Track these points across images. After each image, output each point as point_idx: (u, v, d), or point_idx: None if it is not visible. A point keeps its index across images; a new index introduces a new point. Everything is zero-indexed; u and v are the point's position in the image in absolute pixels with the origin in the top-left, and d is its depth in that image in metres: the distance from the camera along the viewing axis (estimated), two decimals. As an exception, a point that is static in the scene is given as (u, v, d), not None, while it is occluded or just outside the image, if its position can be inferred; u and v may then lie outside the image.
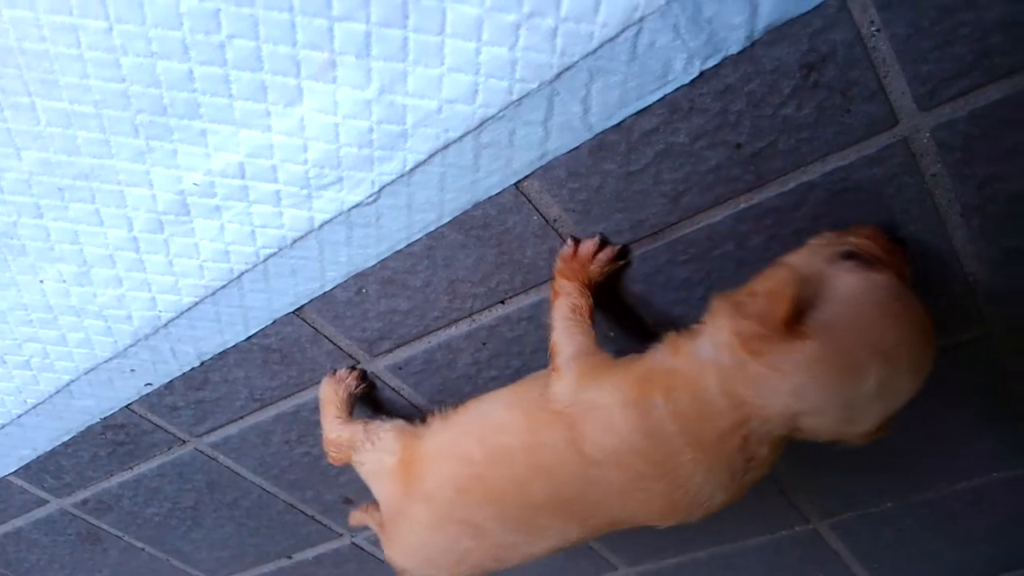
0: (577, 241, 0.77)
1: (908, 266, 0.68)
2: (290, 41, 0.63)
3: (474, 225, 0.77)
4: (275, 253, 0.80)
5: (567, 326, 0.75)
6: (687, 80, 0.65)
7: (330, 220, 0.76)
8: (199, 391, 1.00)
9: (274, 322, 0.89)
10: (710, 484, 0.69)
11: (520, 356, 0.91)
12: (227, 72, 0.66)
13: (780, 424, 0.65)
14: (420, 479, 0.83)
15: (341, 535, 1.27)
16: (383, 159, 0.70)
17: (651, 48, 0.63)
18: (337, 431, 0.90)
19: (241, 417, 1.04)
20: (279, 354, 0.94)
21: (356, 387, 0.93)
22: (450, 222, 0.77)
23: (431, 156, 0.70)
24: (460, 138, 0.69)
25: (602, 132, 0.69)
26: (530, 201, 0.75)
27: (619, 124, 0.69)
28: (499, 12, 0.61)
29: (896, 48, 0.62)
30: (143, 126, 0.71)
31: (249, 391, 0.99)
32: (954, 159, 0.69)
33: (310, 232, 0.77)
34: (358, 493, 1.17)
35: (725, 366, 0.65)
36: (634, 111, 0.67)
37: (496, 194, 0.74)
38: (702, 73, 0.64)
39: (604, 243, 0.78)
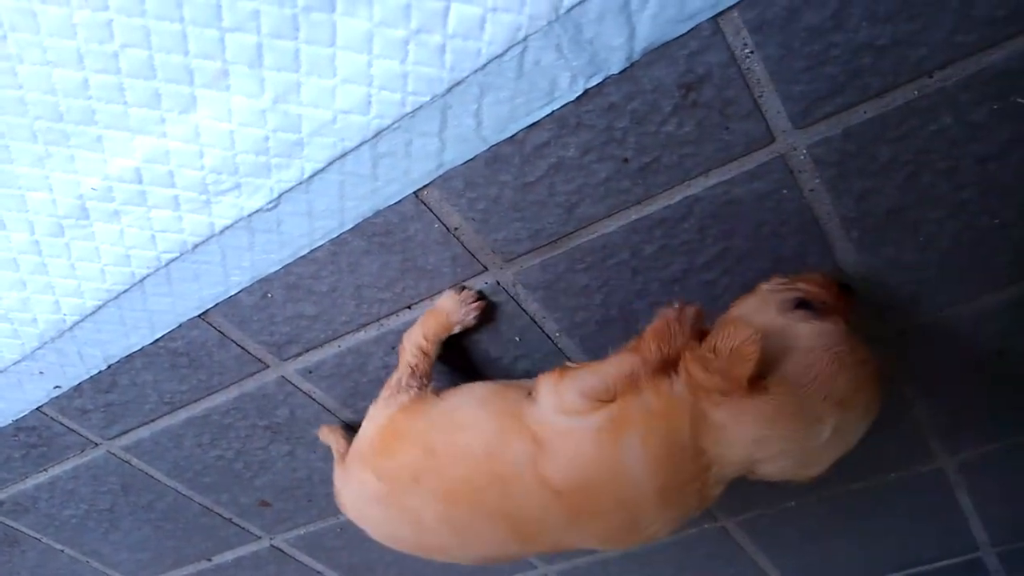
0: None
1: (853, 311, 0.72)
2: (182, 50, 0.64)
3: (377, 232, 0.79)
4: (177, 258, 0.80)
5: (614, 368, 0.72)
6: (573, 97, 0.67)
7: (231, 225, 0.76)
8: (108, 394, 1.00)
9: (180, 326, 0.89)
10: (661, 521, 0.72)
11: (428, 360, 0.93)
12: (121, 80, 0.66)
13: (737, 469, 0.69)
14: (386, 453, 0.82)
15: (260, 538, 1.27)
16: (280, 166, 0.72)
17: (537, 66, 0.65)
18: (406, 351, 0.85)
19: (152, 420, 1.04)
20: (187, 358, 0.94)
21: (467, 317, 0.84)
22: (352, 229, 0.78)
23: (329, 164, 0.72)
24: (357, 147, 0.70)
25: (496, 144, 0.71)
26: (431, 210, 0.77)
27: (512, 137, 0.71)
28: (388, 27, 0.62)
29: (769, 69, 0.65)
30: (41, 132, 0.71)
31: (158, 394, 0.99)
32: (831, 174, 0.72)
33: (211, 237, 0.78)
34: (275, 496, 1.18)
35: (693, 413, 0.67)
36: (525, 125, 0.70)
37: (396, 202, 0.76)
38: (587, 91, 0.67)
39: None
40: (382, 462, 0.83)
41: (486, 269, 0.83)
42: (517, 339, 0.90)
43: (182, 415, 1.03)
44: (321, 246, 0.79)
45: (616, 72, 0.66)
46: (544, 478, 0.72)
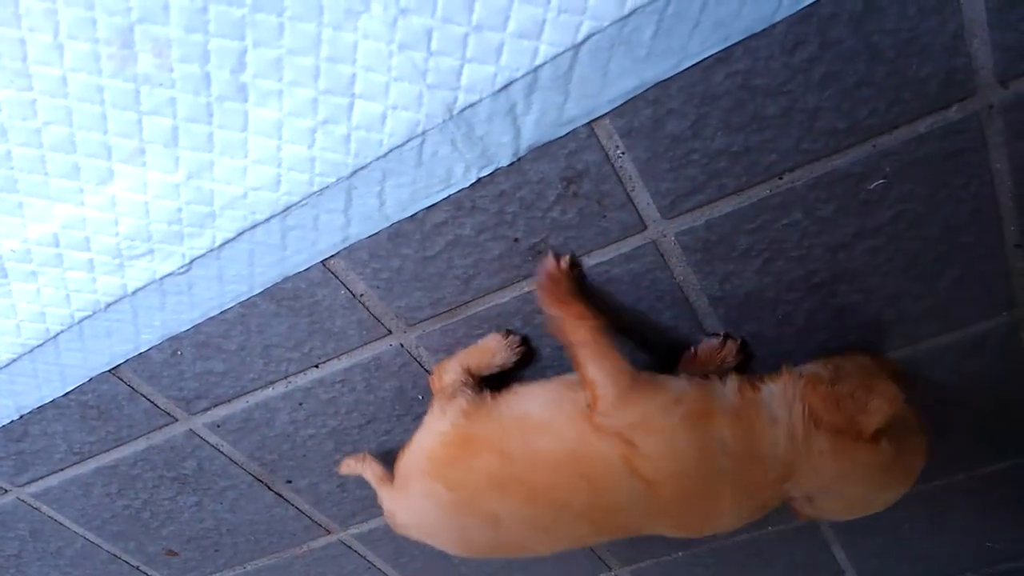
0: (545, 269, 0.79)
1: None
2: (101, 129, 0.69)
3: (285, 296, 0.84)
4: (90, 316, 0.83)
5: (596, 347, 0.76)
6: (467, 184, 0.74)
7: (143, 287, 0.81)
8: (19, 443, 1.01)
9: (91, 380, 0.92)
10: (732, 516, 0.77)
11: (336, 416, 0.98)
12: (43, 153, 0.70)
13: (805, 491, 0.76)
14: (453, 464, 0.82)
15: (165, 586, 1.28)
16: (193, 235, 0.76)
17: (434, 156, 0.72)
18: (450, 377, 0.86)
19: (61, 469, 1.05)
20: (96, 410, 0.96)
21: (508, 361, 0.87)
22: (262, 293, 0.83)
23: (239, 234, 0.77)
24: (267, 220, 0.76)
25: (398, 222, 0.78)
26: (337, 277, 0.83)
27: (413, 216, 0.77)
28: (296, 117, 0.69)
29: (639, 168, 0.73)
30: (-38, 193, 0.74)
31: (68, 444, 1.01)
32: (697, 259, 0.81)
33: (123, 298, 0.82)
34: (182, 545, 1.19)
35: (796, 434, 0.73)
36: (424, 206, 0.76)
37: (304, 270, 0.81)
38: (480, 179, 0.74)
39: (558, 257, 0.80)
40: (451, 472, 0.82)
41: (390, 332, 0.88)
42: (420, 397, 0.96)
43: (91, 465, 1.05)
44: (231, 308, 0.84)
45: (505, 165, 0.73)
46: (638, 472, 0.74)
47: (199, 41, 0.64)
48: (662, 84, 0.67)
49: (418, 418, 0.98)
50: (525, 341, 0.88)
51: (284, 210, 0.75)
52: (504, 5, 0.62)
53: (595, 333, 0.76)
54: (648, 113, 0.69)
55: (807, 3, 0.62)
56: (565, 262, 0.79)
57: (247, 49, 0.65)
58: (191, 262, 0.79)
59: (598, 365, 0.75)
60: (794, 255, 0.80)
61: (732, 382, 0.76)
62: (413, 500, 0.86)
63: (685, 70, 0.66)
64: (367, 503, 1.12)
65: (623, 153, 0.72)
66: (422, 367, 0.92)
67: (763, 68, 0.66)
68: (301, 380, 0.93)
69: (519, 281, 0.83)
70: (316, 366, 0.92)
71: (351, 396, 0.95)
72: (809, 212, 0.76)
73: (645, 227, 0.78)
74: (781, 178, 0.74)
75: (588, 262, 0.81)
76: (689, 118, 0.70)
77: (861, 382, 0.74)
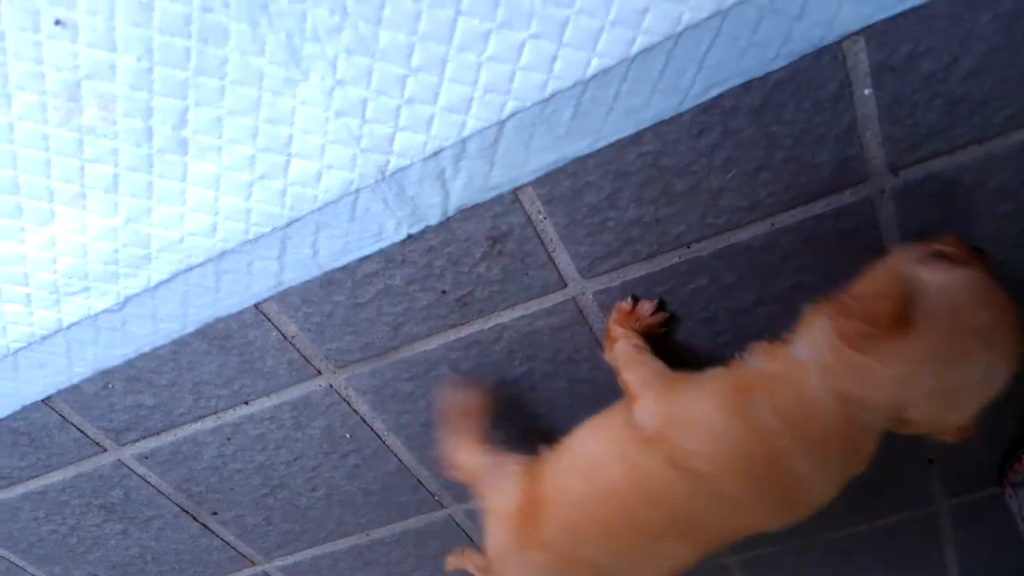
0: (636, 300, 0.83)
1: (991, 268, 0.70)
2: (45, 174, 0.71)
3: (217, 336, 0.86)
4: (24, 347, 0.85)
5: (634, 359, 0.77)
6: (398, 239, 0.78)
7: (77, 323, 0.83)
8: (-58, 467, 1.01)
9: (23, 408, 0.93)
10: (822, 483, 0.71)
11: (264, 451, 1.00)
12: (-17, 191, 0.73)
13: (885, 416, 0.67)
14: (536, 526, 0.80)
15: (86, 613, 1.27)
16: (128, 275, 0.79)
17: (367, 212, 0.76)
18: (466, 456, 0.86)
19: (-15, 494, 1.06)
20: (27, 437, 0.97)
21: (481, 414, 0.88)
22: (194, 332, 0.85)
23: (174, 276, 0.79)
24: (202, 264, 0.79)
25: (331, 271, 0.81)
26: (269, 320, 0.86)
27: (345, 266, 0.81)
28: (234, 171, 0.72)
29: (559, 232, 0.78)
30: (-103, 223, 0.76)
31: (-6, 470, 1.02)
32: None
33: (58, 331, 0.84)
34: (107, 571, 1.19)
35: (829, 365, 0.66)
36: (356, 258, 0.80)
37: (237, 312, 0.84)
38: (410, 235, 0.78)
39: (660, 307, 0.83)
40: (535, 536, 0.81)
41: (320, 373, 0.92)
42: (347, 436, 0.99)
43: (19, 490, 1.05)
44: (163, 345, 0.86)
45: (435, 223, 0.77)
46: (685, 470, 0.71)
47: (143, 98, 0.68)
48: (580, 160, 0.72)
49: (345, 456, 1.02)
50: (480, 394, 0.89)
51: (219, 255, 0.78)
52: (435, 82, 0.67)
53: (635, 346, 0.78)
54: (568, 184, 0.75)
55: (710, 96, 0.68)
56: (652, 307, 0.83)
57: (189, 108, 0.68)
58: (126, 300, 0.81)
59: (635, 373, 0.76)
60: (701, 317, 0.85)
61: (758, 349, 0.73)
62: (513, 567, 0.85)
63: (601, 148, 0.72)
64: (292, 536, 1.14)
65: (545, 218, 0.77)
66: (351, 407, 0.95)
67: (671, 150, 0.72)
68: (230, 416, 0.96)
69: (446, 329, 0.88)
70: (246, 403, 0.94)
71: (279, 433, 0.98)
72: (714, 279, 0.82)
73: (565, 285, 0.83)
74: (689, 247, 0.80)
75: (512, 314, 0.86)
76: (605, 190, 0.75)
77: (858, 281, 0.68)
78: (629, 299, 0.83)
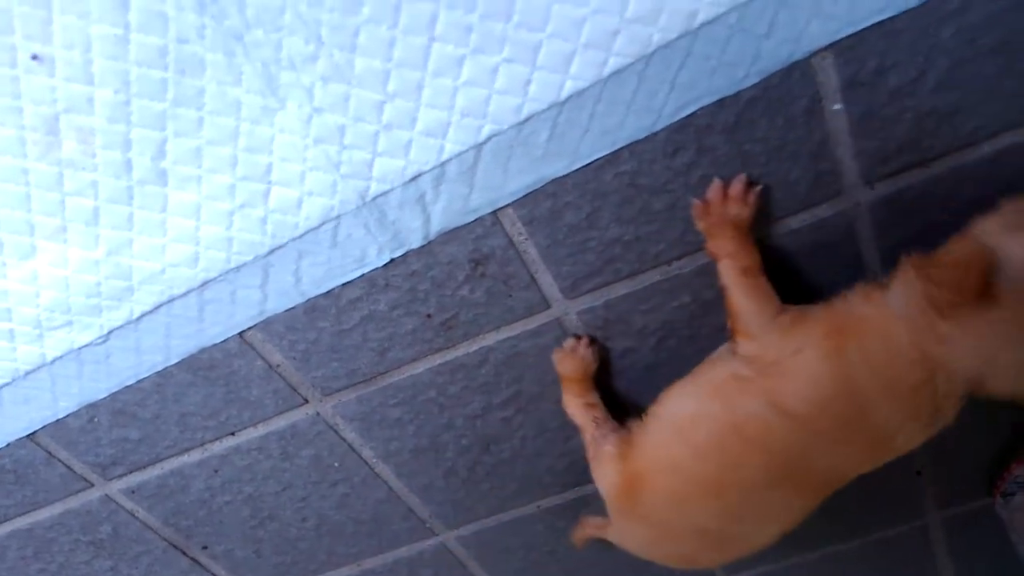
0: (702, 199, 0.75)
1: None
2: (26, 208, 0.72)
3: (201, 367, 0.86)
4: (8, 383, 0.85)
5: (743, 290, 0.74)
6: (381, 264, 0.79)
7: (61, 357, 0.82)
8: (-73, 507, 1.00)
9: (8, 444, 0.92)
10: (906, 431, 0.71)
11: (252, 482, 0.99)
12: (-36, 227, 0.73)
13: (965, 382, 0.67)
14: (636, 501, 0.82)
15: (75, 654, 1.25)
16: (111, 308, 0.79)
17: (349, 238, 0.76)
18: (578, 415, 0.88)
19: (-30, 534, 1.04)
20: (13, 474, 0.96)
21: (592, 358, 0.87)
22: (178, 363, 0.85)
23: (157, 308, 0.79)
24: (184, 294, 0.79)
25: (314, 297, 0.81)
26: (254, 348, 0.86)
27: (329, 292, 0.81)
28: (214, 200, 0.73)
29: (541, 253, 0.79)
30: None
31: (-21, 509, 1.00)
32: (598, 336, 0.86)
33: (42, 366, 0.83)
34: (94, 611, 1.18)
35: (917, 324, 0.66)
36: (340, 283, 0.80)
37: (221, 342, 0.84)
38: (393, 260, 0.79)
39: (727, 183, 0.74)
40: (638, 509, 0.82)
41: (307, 401, 0.91)
42: (336, 464, 0.98)
43: (7, 528, 1.04)
44: (147, 377, 0.86)
45: (417, 247, 0.78)
46: (787, 411, 0.71)
47: (122, 131, 0.68)
48: (558, 180, 0.73)
49: (334, 485, 1.01)
50: (581, 336, 0.87)
51: (201, 285, 0.78)
52: (411, 107, 0.68)
53: (757, 267, 0.74)
54: (547, 205, 0.75)
55: (684, 115, 0.69)
56: (740, 189, 0.73)
57: (168, 139, 0.69)
58: (109, 333, 0.81)
59: (751, 297, 0.74)
60: (684, 334, 0.86)
61: (860, 289, 0.72)
62: (627, 539, 0.89)
63: (578, 169, 0.72)
64: (283, 568, 1.13)
65: (526, 239, 0.78)
66: (338, 435, 0.95)
67: (647, 169, 0.72)
68: (217, 447, 0.95)
69: (432, 353, 0.88)
70: (232, 434, 0.94)
71: (267, 463, 0.98)
72: (696, 296, 0.83)
73: (549, 306, 0.83)
74: (670, 265, 0.80)
75: (497, 336, 0.86)
76: (584, 210, 0.76)
77: (946, 246, 0.67)
78: (695, 201, 0.75)
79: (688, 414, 0.78)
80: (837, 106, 0.69)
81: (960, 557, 1.21)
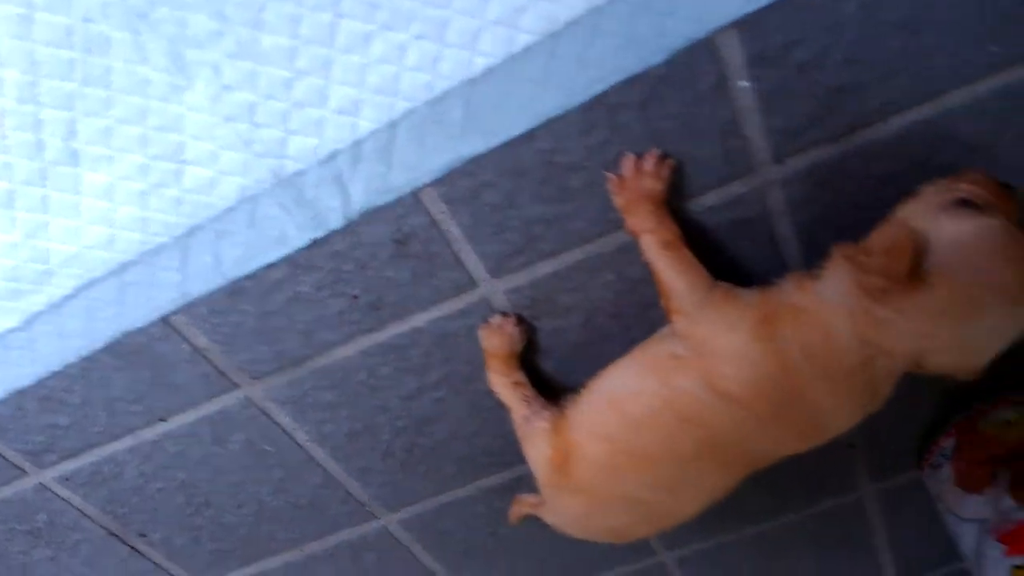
0: (615, 173, 0.75)
1: (1017, 208, 0.70)
2: (-66, 190, 0.71)
3: (126, 351, 0.86)
4: (-70, 370, 0.84)
5: (668, 263, 0.75)
6: (302, 245, 0.78)
7: (-17, 343, 0.82)
8: None
9: (-66, 434, 0.91)
10: (841, 414, 0.73)
11: (184, 468, 0.99)
12: None
13: (904, 362, 0.69)
14: (569, 473, 0.83)
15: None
16: (31, 292, 0.78)
17: (267, 218, 0.76)
18: (506, 394, 0.89)
19: (-100, 527, 1.03)
20: (-60, 464, 0.95)
21: (519, 337, 0.87)
22: (103, 348, 0.85)
23: (77, 291, 0.79)
24: (104, 277, 0.78)
25: (237, 280, 0.81)
26: (178, 332, 0.85)
27: (251, 274, 0.81)
28: (128, 180, 0.72)
29: (464, 232, 0.79)
30: None
31: (-93, 501, 0.99)
32: (527, 314, 0.87)
33: (-37, 352, 0.82)
34: (34, 602, 1.17)
35: (854, 311, 0.68)
36: (261, 265, 0.80)
37: (144, 325, 0.83)
38: (315, 241, 0.79)
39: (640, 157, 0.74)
40: (571, 482, 0.83)
41: (237, 386, 0.91)
42: (270, 449, 0.98)
43: (-62, 520, 1.03)
44: (73, 363, 0.85)
45: (338, 227, 0.78)
46: (721, 392, 0.72)
47: (31, 111, 0.67)
48: (477, 159, 0.73)
49: (270, 469, 1.01)
50: (507, 313, 0.87)
51: (120, 268, 0.78)
52: (322, 84, 0.68)
53: (678, 240, 0.75)
54: (467, 183, 0.76)
55: (595, 93, 0.69)
56: (652, 163, 0.74)
57: (77, 119, 0.68)
58: (32, 317, 0.80)
59: (678, 271, 0.74)
60: (610, 311, 0.87)
61: (792, 278, 0.74)
62: (558, 513, 0.90)
63: (495, 147, 0.73)
64: (223, 555, 1.12)
65: (448, 218, 0.78)
66: (271, 419, 0.95)
67: (563, 147, 0.73)
68: (148, 434, 0.94)
69: (361, 335, 0.88)
70: (162, 419, 0.93)
71: (199, 449, 0.97)
72: (620, 274, 0.84)
73: (476, 285, 0.84)
74: (592, 243, 0.81)
75: (426, 316, 0.86)
76: (504, 188, 0.76)
77: (874, 233, 0.69)
78: (609, 175, 0.75)
79: (626, 388, 0.79)
80: (743, 83, 0.70)
81: (894, 527, 1.23)
